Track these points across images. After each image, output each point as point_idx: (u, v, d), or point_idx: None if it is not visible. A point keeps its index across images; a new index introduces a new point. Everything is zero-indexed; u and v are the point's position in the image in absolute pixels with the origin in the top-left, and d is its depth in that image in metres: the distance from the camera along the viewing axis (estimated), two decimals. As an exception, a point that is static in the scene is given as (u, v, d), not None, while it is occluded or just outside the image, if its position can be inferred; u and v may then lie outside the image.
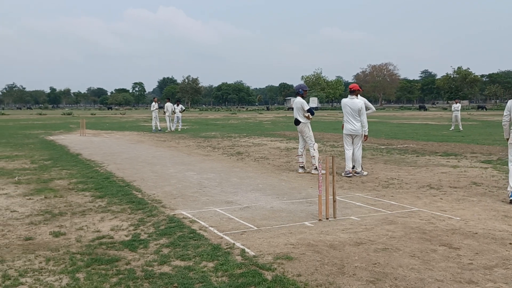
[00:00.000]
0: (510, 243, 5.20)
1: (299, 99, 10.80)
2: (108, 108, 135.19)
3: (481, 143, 17.66)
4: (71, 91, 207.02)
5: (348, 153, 10.18)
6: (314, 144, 10.68)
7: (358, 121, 10.13)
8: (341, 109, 10.53)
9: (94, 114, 70.47)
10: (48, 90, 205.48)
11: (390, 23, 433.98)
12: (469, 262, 4.60)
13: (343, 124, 10.45)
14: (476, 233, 5.62)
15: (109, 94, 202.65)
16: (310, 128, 10.86)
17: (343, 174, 10.07)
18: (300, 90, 10.82)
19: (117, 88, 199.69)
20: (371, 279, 4.16)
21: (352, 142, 10.24)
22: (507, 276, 4.24)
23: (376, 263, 4.56)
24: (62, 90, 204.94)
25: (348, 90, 10.64)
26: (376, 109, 12.48)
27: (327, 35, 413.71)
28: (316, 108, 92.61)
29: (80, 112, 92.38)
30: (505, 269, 4.40)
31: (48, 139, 21.67)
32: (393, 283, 4.08)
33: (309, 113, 10.66)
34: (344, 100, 10.39)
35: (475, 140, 18.78)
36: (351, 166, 10.14)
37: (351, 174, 9.98)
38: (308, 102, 10.92)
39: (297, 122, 10.80)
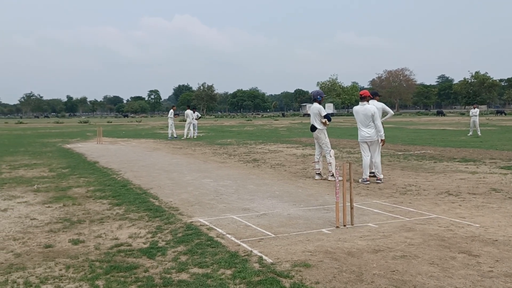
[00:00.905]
0: (532, 251, 5.12)
1: (316, 105, 10.78)
2: (124, 116, 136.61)
3: (500, 148, 17.43)
4: (88, 100, 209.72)
5: (366, 160, 10.12)
6: (330, 150, 10.63)
7: (371, 127, 10.03)
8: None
9: (111, 122, 71.21)
10: (65, 99, 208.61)
11: (406, 28, 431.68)
12: (489, 270, 4.53)
13: None
14: (496, 240, 5.54)
15: (125, 102, 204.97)
16: (327, 135, 10.83)
17: (360, 181, 10.01)
18: (318, 96, 10.76)
19: (133, 96, 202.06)
20: (389, 287, 4.12)
21: (369, 149, 10.18)
22: (529, 284, 4.17)
23: (394, 271, 4.53)
24: (79, 98, 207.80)
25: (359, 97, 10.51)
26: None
27: (342, 40, 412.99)
28: (332, 114, 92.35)
29: (97, 120, 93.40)
30: (527, 277, 4.33)
31: (65, 147, 21.94)
32: (412, 291, 4.04)
33: (326, 119, 10.64)
34: (356, 108, 10.29)
35: (494, 146, 18.54)
36: (368, 173, 10.08)
37: (368, 182, 9.92)
38: (324, 108, 10.85)
39: (313, 128, 10.78)
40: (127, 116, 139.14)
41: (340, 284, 4.22)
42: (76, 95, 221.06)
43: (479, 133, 25.83)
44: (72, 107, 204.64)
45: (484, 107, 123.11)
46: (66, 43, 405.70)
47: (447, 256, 4.97)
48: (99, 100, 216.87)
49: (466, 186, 9.32)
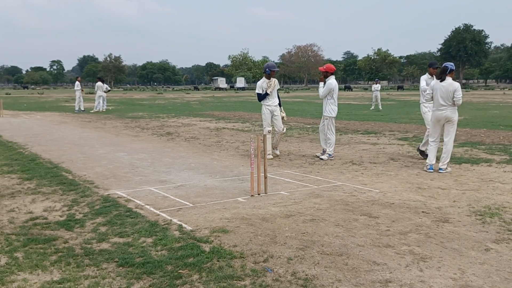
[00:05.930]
0: (423, 212, 5.79)
1: (259, 81, 10.32)
2: (24, 88, 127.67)
3: (399, 121, 18.81)
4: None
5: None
6: (264, 128, 10.08)
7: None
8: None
9: (9, 94, 66.42)
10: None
11: (315, 4, 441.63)
12: (387, 229, 5.10)
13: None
14: (393, 203, 6.18)
15: (24, 72, 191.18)
16: (265, 112, 10.09)
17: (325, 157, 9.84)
18: (267, 69, 10.12)
19: (33, 66, 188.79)
20: (300, 247, 4.53)
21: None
22: (419, 240, 4.77)
23: (304, 233, 4.95)
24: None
25: (326, 73, 10.03)
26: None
27: (253, 14, 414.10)
28: (243, 88, 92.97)
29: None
30: (418, 234, 4.94)
31: (-39, 120, 20.39)
32: (320, 249, 4.47)
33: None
34: (334, 82, 9.88)
35: (393, 119, 19.95)
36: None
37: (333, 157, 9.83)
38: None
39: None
40: (27, 87, 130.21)
41: (256, 246, 4.55)
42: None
43: (380, 107, 27.55)
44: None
45: (385, 83, 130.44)
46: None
47: (350, 218, 5.49)
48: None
49: (368, 156, 10.10)
